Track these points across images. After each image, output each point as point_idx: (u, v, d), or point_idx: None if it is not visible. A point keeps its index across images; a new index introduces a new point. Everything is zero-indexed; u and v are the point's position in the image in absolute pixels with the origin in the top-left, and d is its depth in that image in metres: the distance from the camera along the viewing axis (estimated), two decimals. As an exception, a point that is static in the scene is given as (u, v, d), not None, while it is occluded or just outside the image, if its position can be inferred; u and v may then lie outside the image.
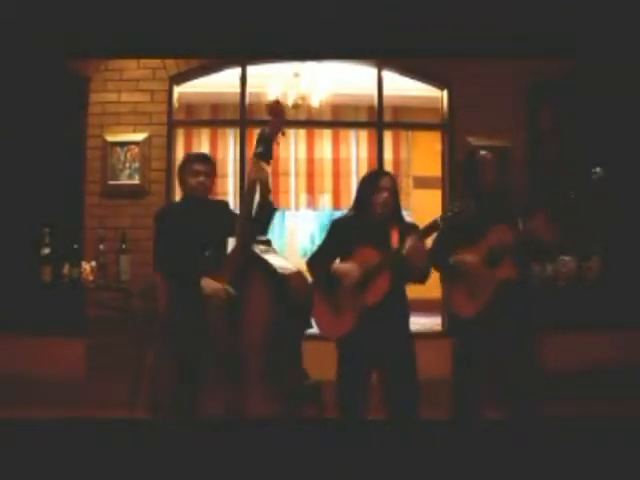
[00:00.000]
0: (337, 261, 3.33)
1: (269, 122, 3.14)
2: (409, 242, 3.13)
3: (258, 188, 3.09)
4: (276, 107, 3.19)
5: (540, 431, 2.82)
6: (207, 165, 3.37)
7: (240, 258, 2.99)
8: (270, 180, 3.16)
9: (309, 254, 3.49)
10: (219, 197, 6.10)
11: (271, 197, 3.19)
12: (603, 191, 3.22)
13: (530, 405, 3.24)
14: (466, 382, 3.34)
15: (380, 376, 3.26)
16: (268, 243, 3.21)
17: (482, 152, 3.46)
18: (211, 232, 3.18)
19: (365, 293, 3.19)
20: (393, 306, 3.21)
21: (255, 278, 3.00)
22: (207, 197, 3.40)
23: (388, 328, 3.19)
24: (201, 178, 3.32)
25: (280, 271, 3.03)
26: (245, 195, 3.09)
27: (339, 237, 3.34)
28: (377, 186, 3.27)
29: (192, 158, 3.44)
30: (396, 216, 3.30)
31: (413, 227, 3.26)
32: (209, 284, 3.01)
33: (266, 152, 3.11)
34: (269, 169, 3.13)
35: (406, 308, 3.31)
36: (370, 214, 3.28)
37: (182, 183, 3.40)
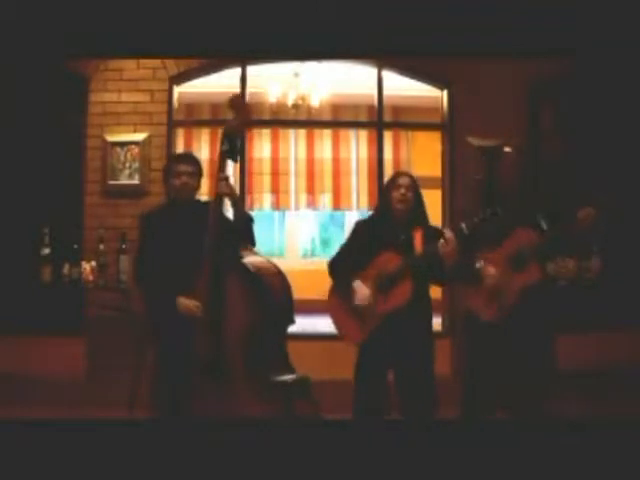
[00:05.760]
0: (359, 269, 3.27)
1: (234, 117, 3.08)
2: (445, 238, 3.06)
3: (227, 201, 3.08)
4: (238, 101, 3.16)
5: (543, 430, 2.82)
6: (191, 165, 3.23)
7: (210, 272, 2.97)
8: (237, 186, 3.10)
9: (330, 257, 3.44)
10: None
11: (244, 206, 3.13)
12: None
13: (542, 405, 3.23)
14: (480, 382, 3.33)
15: (396, 377, 3.24)
16: (245, 242, 3.20)
17: (507, 149, 3.40)
18: (197, 235, 3.07)
19: (387, 299, 3.16)
20: (415, 309, 3.18)
21: (232, 280, 3.01)
22: (192, 198, 3.27)
23: (409, 331, 3.17)
24: (184, 178, 3.17)
25: (255, 271, 3.04)
26: (211, 212, 3.02)
27: (360, 240, 3.31)
28: (395, 184, 3.27)
29: (175, 159, 3.35)
30: (419, 218, 3.26)
31: (436, 230, 3.22)
32: (183, 304, 3.00)
33: (233, 150, 3.06)
34: (236, 168, 3.07)
35: (429, 310, 3.29)
36: (391, 214, 3.26)
37: (166, 185, 3.26)
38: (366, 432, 2.88)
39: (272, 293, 3.07)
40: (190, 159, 3.29)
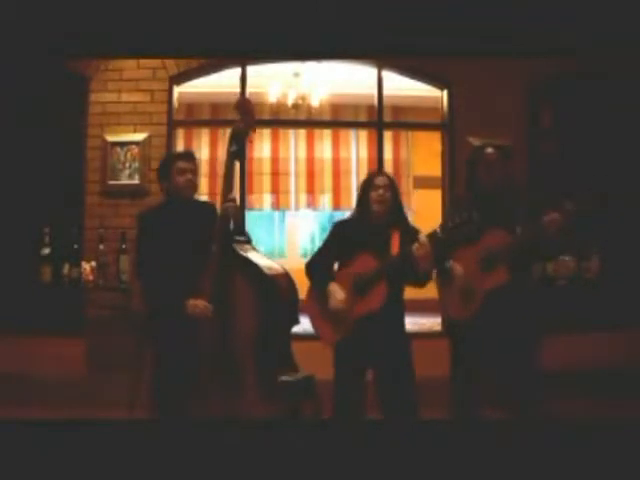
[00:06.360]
0: (335, 265, 3.30)
1: (241, 119, 3.15)
2: (419, 241, 3.02)
3: (231, 221, 3.10)
4: (245, 103, 3.23)
5: (539, 431, 2.82)
6: (193, 163, 3.23)
7: (216, 276, 2.99)
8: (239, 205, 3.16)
9: (308, 257, 3.46)
10: (213, 197, 6.13)
11: (244, 225, 3.18)
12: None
13: (529, 406, 3.23)
14: (461, 383, 3.33)
15: (376, 377, 3.22)
16: (249, 242, 3.21)
17: (488, 150, 3.38)
18: (198, 235, 3.08)
19: (362, 301, 3.15)
20: (389, 311, 3.17)
21: (240, 280, 3.02)
22: (193, 197, 3.27)
23: (384, 331, 3.17)
24: (189, 176, 3.17)
25: (266, 272, 3.06)
26: (217, 230, 3.04)
27: (339, 240, 3.30)
28: (373, 184, 3.24)
29: (177, 156, 3.34)
30: (397, 218, 3.24)
31: (415, 231, 3.15)
32: (192, 305, 2.98)
33: (240, 150, 3.13)
34: (236, 168, 3.16)
35: (402, 310, 3.28)
36: (369, 214, 3.24)
37: (166, 183, 3.22)
38: (366, 431, 2.88)
39: (280, 294, 3.09)
40: (192, 157, 3.29)
